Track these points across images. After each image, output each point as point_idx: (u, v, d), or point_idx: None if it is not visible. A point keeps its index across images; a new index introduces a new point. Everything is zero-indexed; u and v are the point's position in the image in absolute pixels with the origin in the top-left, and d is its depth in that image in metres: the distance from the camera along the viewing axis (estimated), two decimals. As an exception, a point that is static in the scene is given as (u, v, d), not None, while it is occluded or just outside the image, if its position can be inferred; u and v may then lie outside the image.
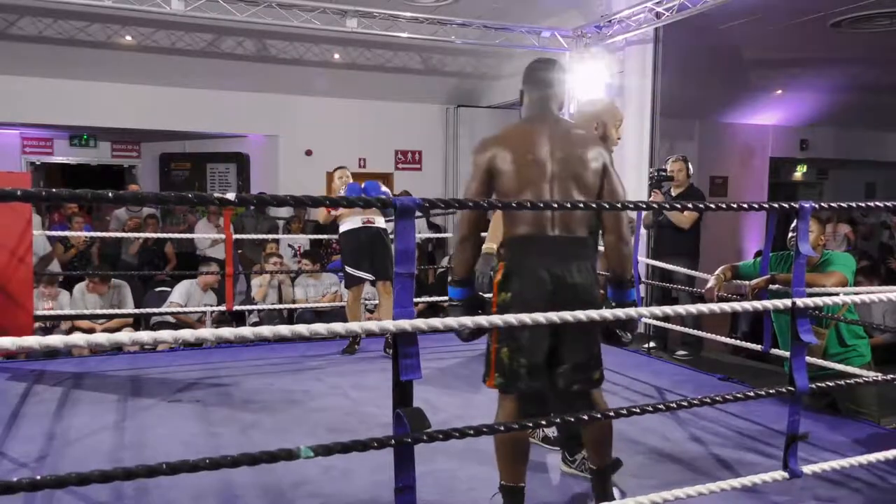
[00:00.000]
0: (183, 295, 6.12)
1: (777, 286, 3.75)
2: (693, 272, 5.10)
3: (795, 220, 3.74)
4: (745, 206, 2.42)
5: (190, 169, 10.72)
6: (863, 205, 2.81)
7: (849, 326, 3.83)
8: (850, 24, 7.50)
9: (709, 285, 3.99)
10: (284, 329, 1.79)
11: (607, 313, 2.16)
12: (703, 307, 2.38)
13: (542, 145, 2.37)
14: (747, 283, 3.93)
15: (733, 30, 7.49)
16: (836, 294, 3.68)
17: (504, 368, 2.35)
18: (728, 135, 11.55)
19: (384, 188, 5.20)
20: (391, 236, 4.99)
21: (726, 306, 2.41)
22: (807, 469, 2.44)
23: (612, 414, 2.34)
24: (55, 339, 1.60)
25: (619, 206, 2.39)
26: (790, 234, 3.87)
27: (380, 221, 5.20)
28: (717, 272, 4.03)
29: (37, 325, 5.20)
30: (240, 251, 8.28)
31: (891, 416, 3.88)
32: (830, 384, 2.64)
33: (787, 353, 2.52)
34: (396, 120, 9.98)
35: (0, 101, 8.39)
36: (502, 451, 2.43)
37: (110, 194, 1.73)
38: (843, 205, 2.59)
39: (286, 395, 4.07)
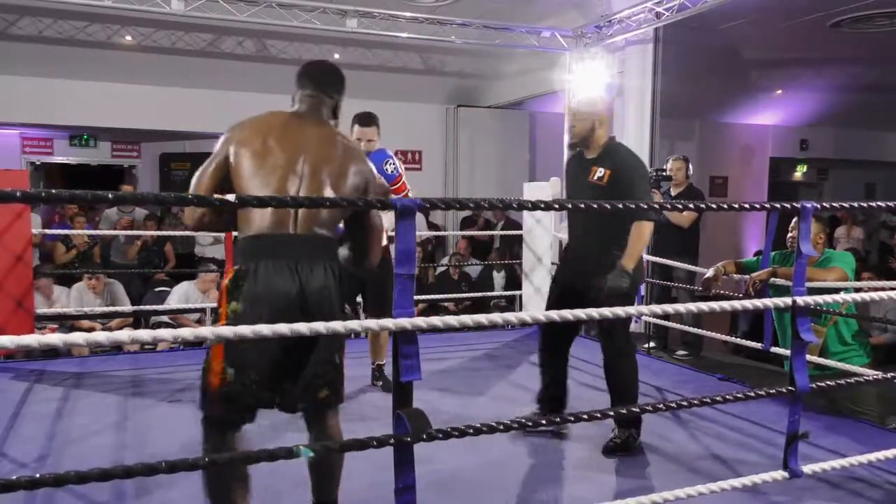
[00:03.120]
0: (182, 297, 6.12)
1: (779, 280, 3.75)
2: (693, 267, 5.09)
3: (794, 220, 3.77)
4: (746, 206, 2.42)
5: (190, 169, 10.70)
6: (863, 205, 2.81)
7: (849, 325, 3.83)
8: (850, 24, 7.50)
9: (707, 275, 3.98)
10: (284, 328, 1.79)
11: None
12: (703, 305, 2.37)
13: (297, 143, 2.17)
14: (748, 276, 3.94)
15: (733, 30, 7.49)
16: (837, 292, 3.69)
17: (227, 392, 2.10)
18: (728, 135, 11.55)
19: (390, 165, 4.01)
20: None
21: (726, 304, 2.40)
22: (807, 469, 2.43)
23: (571, 418, 2.26)
24: (55, 338, 1.60)
25: (619, 206, 2.39)
26: (789, 234, 3.89)
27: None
28: (717, 265, 4.05)
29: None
30: None
31: (891, 415, 3.87)
32: (831, 384, 2.64)
33: (788, 352, 2.52)
34: (396, 120, 9.95)
35: (0, 101, 8.39)
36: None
37: (110, 195, 1.73)
38: (844, 205, 2.58)
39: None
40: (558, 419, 2.19)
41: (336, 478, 2.28)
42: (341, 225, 2.29)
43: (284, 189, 2.10)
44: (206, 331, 1.81)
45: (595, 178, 3.22)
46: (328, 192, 2.14)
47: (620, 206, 2.38)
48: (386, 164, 3.94)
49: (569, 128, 3.31)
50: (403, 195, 3.60)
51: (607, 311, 2.17)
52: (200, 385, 2.15)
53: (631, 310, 2.21)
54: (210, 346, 2.12)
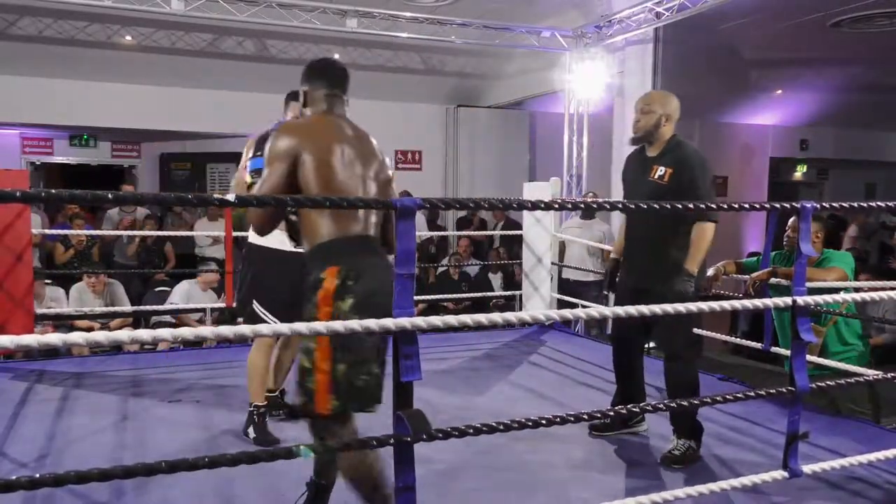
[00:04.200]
0: (183, 296, 6.13)
1: (778, 279, 3.75)
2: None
3: (792, 219, 3.78)
4: (746, 206, 2.42)
5: (190, 169, 10.72)
6: (863, 205, 2.81)
7: (849, 325, 3.83)
8: (850, 24, 7.50)
9: (708, 274, 3.98)
10: (284, 328, 1.79)
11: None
12: (703, 305, 2.36)
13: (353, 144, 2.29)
14: (748, 276, 3.94)
15: (733, 30, 7.49)
16: (838, 291, 3.69)
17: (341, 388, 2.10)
18: (728, 135, 11.56)
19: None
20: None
21: (726, 304, 2.40)
22: (807, 469, 2.43)
23: (611, 413, 2.33)
24: (54, 338, 1.60)
25: (619, 207, 2.39)
26: (786, 234, 3.90)
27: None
28: (717, 265, 4.05)
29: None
30: (244, 250, 8.28)
31: (891, 415, 3.87)
32: (831, 383, 2.64)
33: (788, 352, 2.52)
34: (396, 120, 9.98)
35: (0, 101, 8.39)
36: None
37: (110, 195, 1.73)
38: (844, 204, 2.58)
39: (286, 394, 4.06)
40: (559, 419, 2.18)
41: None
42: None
43: (366, 194, 2.26)
44: (207, 330, 1.80)
45: (656, 176, 3.12)
46: (389, 193, 2.36)
47: (620, 206, 2.37)
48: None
49: (634, 122, 3.20)
50: None
51: (620, 311, 2.17)
52: (304, 388, 2.13)
53: (632, 310, 2.21)
54: (308, 348, 2.11)
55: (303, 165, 2.18)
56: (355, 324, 1.86)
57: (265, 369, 3.38)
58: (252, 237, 3.42)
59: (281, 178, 2.18)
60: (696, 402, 2.43)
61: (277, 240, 3.06)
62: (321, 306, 2.11)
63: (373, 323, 1.88)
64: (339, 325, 1.85)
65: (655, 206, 2.33)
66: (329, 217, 2.18)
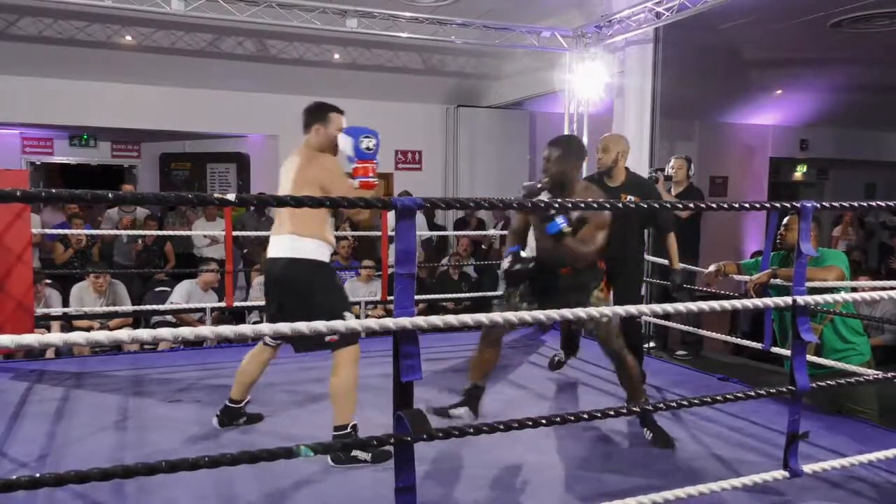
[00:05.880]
0: (183, 295, 6.13)
1: (778, 280, 3.75)
2: (693, 267, 5.10)
3: (787, 218, 3.82)
4: (746, 205, 2.42)
5: (190, 169, 10.72)
6: (863, 204, 2.81)
7: (848, 324, 3.83)
8: (850, 24, 7.50)
9: (710, 269, 4.10)
10: (284, 327, 1.79)
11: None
12: (703, 305, 2.36)
13: None
14: (748, 277, 3.94)
15: (733, 30, 7.49)
16: (838, 291, 3.69)
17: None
18: (728, 135, 11.56)
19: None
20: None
21: (726, 304, 2.40)
22: (807, 468, 2.44)
23: (612, 413, 2.34)
24: (55, 338, 1.60)
25: (619, 206, 2.39)
26: (779, 232, 3.91)
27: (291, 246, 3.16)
28: (719, 263, 4.11)
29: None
30: (244, 251, 8.29)
31: (891, 415, 3.87)
32: (831, 383, 2.64)
33: (788, 352, 2.52)
34: (396, 120, 9.97)
35: (0, 101, 8.39)
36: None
37: (110, 195, 1.73)
38: (844, 204, 2.58)
39: (286, 394, 4.06)
40: (558, 419, 2.19)
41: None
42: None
43: None
44: (207, 330, 1.80)
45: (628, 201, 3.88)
46: None
47: (663, 205, 2.37)
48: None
49: (598, 159, 4.00)
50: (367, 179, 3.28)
51: (620, 311, 2.17)
52: None
53: (632, 309, 2.21)
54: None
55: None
56: (356, 323, 1.86)
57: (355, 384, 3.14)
58: (294, 253, 3.10)
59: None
60: (695, 401, 2.43)
61: (321, 252, 3.12)
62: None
63: (373, 323, 1.89)
64: (321, 325, 1.85)
65: (656, 205, 2.33)
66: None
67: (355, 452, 3.01)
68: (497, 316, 2.09)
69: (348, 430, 3.04)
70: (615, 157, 3.93)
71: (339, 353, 3.08)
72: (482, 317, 2.03)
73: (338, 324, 1.87)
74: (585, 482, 2.92)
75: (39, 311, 5.35)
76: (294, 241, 3.07)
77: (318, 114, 3.26)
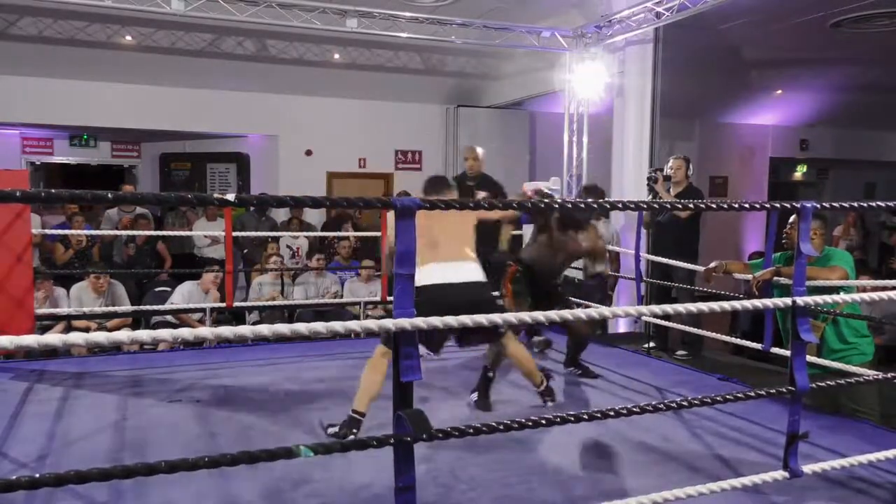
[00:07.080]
0: (184, 296, 6.13)
1: (783, 279, 3.75)
2: (693, 266, 5.10)
3: (792, 218, 3.80)
4: (746, 205, 2.42)
5: (190, 169, 10.71)
6: (863, 204, 2.81)
7: (850, 324, 3.82)
8: (850, 24, 7.50)
9: (710, 265, 4.09)
10: (284, 328, 1.79)
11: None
12: (703, 305, 2.36)
13: None
14: (750, 276, 3.94)
15: (733, 30, 7.49)
16: (838, 292, 3.68)
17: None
18: (728, 135, 11.55)
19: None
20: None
21: (726, 304, 2.40)
22: (807, 468, 2.43)
23: (612, 413, 2.33)
24: (54, 338, 1.59)
25: (619, 206, 2.39)
26: (785, 231, 3.91)
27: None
28: (721, 261, 4.11)
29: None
30: (245, 251, 8.29)
31: (891, 415, 3.87)
32: (831, 383, 2.64)
33: (789, 352, 2.52)
34: (396, 120, 9.98)
35: (0, 101, 8.39)
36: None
37: (109, 195, 1.73)
38: (844, 204, 2.58)
39: (286, 394, 4.06)
40: (559, 419, 2.19)
41: None
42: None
43: None
44: (207, 330, 1.81)
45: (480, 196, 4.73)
46: None
47: (620, 205, 2.37)
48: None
49: (469, 167, 5.25)
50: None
51: (620, 311, 2.17)
52: None
53: (631, 310, 2.21)
54: None
55: None
56: (356, 324, 1.86)
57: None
58: (482, 277, 3.61)
59: None
60: (696, 401, 2.43)
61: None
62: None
63: (373, 323, 1.89)
64: (335, 325, 1.85)
65: (655, 205, 2.33)
66: None
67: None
68: (496, 317, 2.09)
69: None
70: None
71: None
72: (481, 317, 2.03)
73: (340, 325, 1.87)
74: (585, 482, 2.92)
75: (44, 310, 5.36)
76: (477, 266, 3.56)
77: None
